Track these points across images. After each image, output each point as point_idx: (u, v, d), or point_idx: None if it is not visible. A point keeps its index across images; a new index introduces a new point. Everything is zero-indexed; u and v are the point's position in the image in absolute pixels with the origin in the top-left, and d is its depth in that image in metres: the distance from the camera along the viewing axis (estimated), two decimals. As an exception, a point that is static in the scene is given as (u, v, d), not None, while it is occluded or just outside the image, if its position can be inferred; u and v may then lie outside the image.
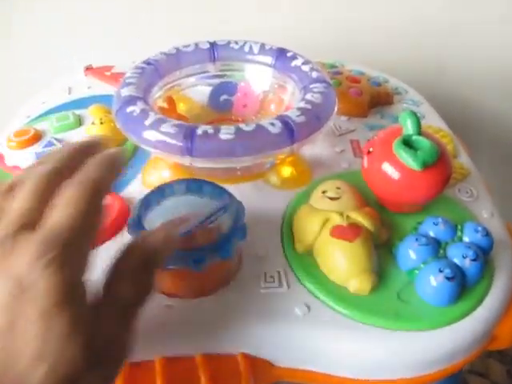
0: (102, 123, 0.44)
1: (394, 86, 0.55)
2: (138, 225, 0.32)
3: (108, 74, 0.55)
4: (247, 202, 0.35)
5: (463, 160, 0.46)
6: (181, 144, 0.36)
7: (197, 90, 0.48)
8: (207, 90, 0.48)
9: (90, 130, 0.45)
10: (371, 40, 0.67)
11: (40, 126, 0.46)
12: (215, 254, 0.31)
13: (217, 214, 0.32)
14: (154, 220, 0.34)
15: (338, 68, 0.54)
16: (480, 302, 0.34)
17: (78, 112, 0.47)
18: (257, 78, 0.47)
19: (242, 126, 0.37)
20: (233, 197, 0.34)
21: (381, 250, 0.36)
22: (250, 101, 0.47)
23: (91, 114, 0.47)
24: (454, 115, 0.55)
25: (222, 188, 0.34)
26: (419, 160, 0.35)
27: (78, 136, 0.44)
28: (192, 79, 0.48)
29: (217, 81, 0.48)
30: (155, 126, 0.37)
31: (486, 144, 0.74)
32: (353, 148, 0.45)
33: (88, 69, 0.56)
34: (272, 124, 0.37)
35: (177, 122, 0.38)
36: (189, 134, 0.36)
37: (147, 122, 0.38)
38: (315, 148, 0.45)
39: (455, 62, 0.71)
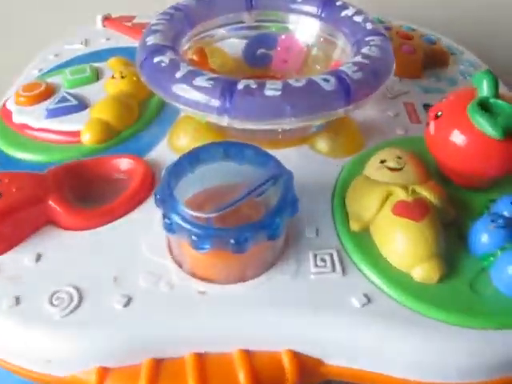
0: (122, 77, 0.39)
1: (447, 45, 0.49)
2: (167, 196, 0.27)
3: (129, 24, 0.49)
4: (292, 171, 0.30)
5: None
6: (218, 101, 0.31)
7: (231, 43, 0.42)
8: (242, 42, 0.42)
9: (110, 84, 0.39)
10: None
11: (52, 79, 0.41)
12: (261, 233, 0.26)
13: (265, 185, 0.27)
14: (187, 190, 0.29)
15: (385, 23, 0.48)
16: None
17: (95, 65, 0.42)
18: (300, 30, 0.41)
19: (291, 81, 0.31)
20: (280, 164, 0.29)
21: (448, 232, 0.31)
22: (292, 56, 0.42)
23: (110, 66, 0.41)
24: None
25: (267, 154, 0.29)
26: (499, 126, 0.29)
27: (96, 91, 0.39)
28: (226, 30, 0.42)
29: (253, 32, 0.42)
30: (187, 78, 0.32)
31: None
32: (408, 112, 0.40)
33: (106, 19, 0.50)
34: (325, 80, 0.32)
35: (213, 75, 0.32)
36: (228, 89, 0.31)
37: (178, 75, 0.32)
38: (365, 111, 0.39)
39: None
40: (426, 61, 0.44)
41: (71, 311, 0.28)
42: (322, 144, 0.36)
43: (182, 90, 0.32)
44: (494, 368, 0.28)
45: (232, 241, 0.26)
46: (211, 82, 0.31)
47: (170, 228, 0.27)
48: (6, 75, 0.48)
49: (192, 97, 0.32)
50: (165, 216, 0.27)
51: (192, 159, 0.29)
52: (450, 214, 0.31)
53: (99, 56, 0.44)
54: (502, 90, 0.43)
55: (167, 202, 0.27)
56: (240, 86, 0.31)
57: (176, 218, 0.26)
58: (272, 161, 0.29)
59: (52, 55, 0.47)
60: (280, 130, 0.35)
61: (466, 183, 0.33)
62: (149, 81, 0.34)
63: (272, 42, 0.42)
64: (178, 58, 0.34)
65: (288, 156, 0.35)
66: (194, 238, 0.26)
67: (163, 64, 0.33)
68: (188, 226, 0.26)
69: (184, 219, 0.26)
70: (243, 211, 0.28)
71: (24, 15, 0.64)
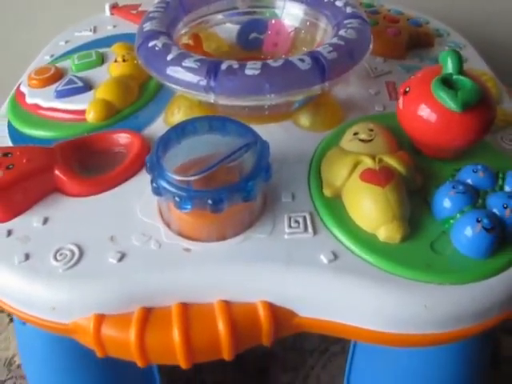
0: (124, 61, 0.43)
1: (435, 27, 0.51)
2: (155, 163, 0.31)
3: (134, 12, 0.53)
4: (274, 144, 0.33)
5: (507, 105, 0.42)
6: (204, 79, 0.34)
7: (224, 28, 0.45)
8: (235, 28, 0.46)
9: (112, 67, 0.43)
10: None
11: (61, 64, 0.45)
12: (236, 195, 0.30)
13: (239, 151, 0.30)
14: (174, 159, 0.32)
15: (375, 7, 0.51)
16: (520, 257, 0.32)
17: (101, 50, 0.45)
18: (288, 15, 0.44)
19: (270, 61, 0.35)
20: (257, 135, 0.32)
21: (414, 198, 0.34)
22: (281, 39, 0.45)
23: (114, 51, 0.45)
24: (502, 66, 0.51)
25: (246, 126, 0.32)
26: (459, 100, 0.32)
27: (100, 74, 0.43)
28: (219, 16, 0.45)
29: (246, 18, 0.46)
30: (177, 60, 0.35)
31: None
32: (388, 90, 0.42)
33: (114, 7, 0.54)
34: (301, 60, 0.35)
35: (200, 56, 0.35)
36: (212, 69, 0.34)
37: (169, 57, 0.36)
38: (348, 89, 0.42)
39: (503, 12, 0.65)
40: (411, 42, 0.47)
41: (72, 265, 0.32)
42: (304, 119, 0.39)
43: (172, 70, 0.35)
44: (449, 320, 0.31)
45: (210, 201, 0.29)
46: (198, 63, 0.35)
47: (157, 191, 0.30)
48: (22, 62, 0.52)
49: (181, 77, 0.35)
50: (153, 181, 0.30)
51: (179, 132, 0.33)
52: (417, 182, 0.34)
53: (106, 42, 0.48)
54: (485, 67, 0.46)
55: (155, 169, 0.30)
56: (223, 67, 0.34)
57: (162, 182, 0.30)
58: (250, 132, 0.32)
59: (63, 42, 0.51)
60: (266, 107, 0.38)
61: (434, 154, 0.36)
62: (144, 63, 0.38)
63: (263, 26, 0.45)
64: (171, 42, 0.37)
65: (273, 130, 0.38)
66: (177, 199, 0.29)
67: (157, 48, 0.37)
68: (172, 189, 0.30)
69: (169, 183, 0.30)
70: (222, 177, 0.31)
71: (42, 6, 0.68)
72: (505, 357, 0.62)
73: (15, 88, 0.44)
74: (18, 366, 0.62)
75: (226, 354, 0.32)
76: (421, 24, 0.48)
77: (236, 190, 0.29)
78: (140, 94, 0.42)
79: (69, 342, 0.38)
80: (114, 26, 0.52)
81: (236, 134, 0.33)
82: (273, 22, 0.45)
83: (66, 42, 0.50)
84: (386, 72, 0.44)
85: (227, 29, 0.45)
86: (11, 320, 0.68)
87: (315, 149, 0.37)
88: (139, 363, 0.32)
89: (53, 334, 0.37)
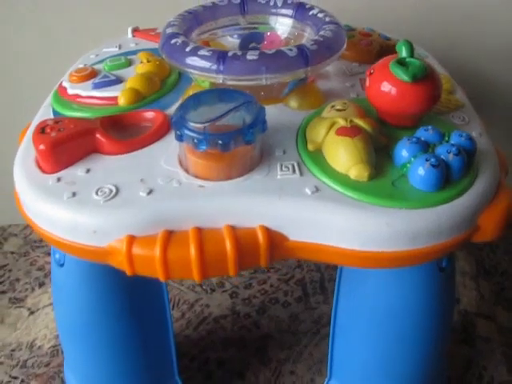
0: (148, 61, 0.53)
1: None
2: (178, 117, 0.40)
3: (153, 33, 0.64)
4: (269, 119, 0.42)
5: (459, 96, 0.52)
6: (215, 64, 0.44)
7: (228, 39, 0.56)
8: (238, 39, 0.56)
9: (139, 67, 0.53)
10: (384, 12, 0.74)
11: (96, 66, 0.54)
12: (240, 138, 0.39)
13: (242, 105, 0.40)
14: (193, 119, 0.41)
15: (351, 27, 0.62)
16: (462, 192, 0.40)
17: (128, 57, 0.56)
18: (280, 28, 0.55)
19: (266, 50, 0.45)
20: (255, 99, 0.41)
21: (380, 153, 0.43)
22: (275, 47, 0.55)
23: (139, 57, 0.55)
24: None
25: (248, 93, 0.42)
26: (410, 73, 0.42)
27: (128, 72, 0.53)
28: (225, 30, 0.56)
29: (246, 32, 0.56)
30: (194, 51, 0.45)
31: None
32: (361, 84, 0.52)
33: (135, 30, 0.65)
34: (290, 50, 0.45)
35: (212, 48, 0.46)
36: (221, 57, 0.44)
37: (188, 49, 0.46)
38: (328, 83, 0.52)
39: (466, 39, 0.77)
40: (381, 51, 0.57)
41: (111, 198, 0.40)
42: (293, 102, 0.49)
43: (190, 59, 0.45)
44: (406, 238, 0.39)
45: (220, 142, 0.38)
46: (210, 53, 0.45)
47: (180, 138, 0.40)
48: (54, 77, 0.61)
49: (197, 63, 0.45)
50: (177, 130, 0.40)
51: (195, 100, 0.42)
52: (381, 141, 0.43)
53: (131, 54, 0.58)
54: (443, 71, 0.56)
55: (178, 121, 0.40)
56: (230, 54, 0.44)
57: (184, 130, 0.39)
58: (251, 97, 0.42)
59: (93, 55, 0.61)
60: (262, 94, 0.48)
61: (396, 122, 0.45)
62: (168, 56, 0.47)
63: (260, 38, 0.56)
64: (188, 40, 0.48)
65: (268, 110, 0.47)
66: (195, 141, 0.39)
67: (177, 43, 0.47)
68: (192, 134, 0.39)
69: (189, 130, 0.39)
70: (230, 128, 0.40)
71: (71, 30, 0.79)
72: (478, 336, 0.69)
73: (57, 85, 0.54)
74: (39, 348, 0.69)
75: (232, 270, 0.40)
76: (389, 38, 0.59)
77: (240, 134, 0.39)
78: (161, 86, 0.52)
79: (99, 282, 0.47)
80: (136, 44, 0.62)
81: (240, 100, 0.42)
82: (268, 33, 0.55)
83: (97, 55, 0.61)
84: (360, 72, 0.55)
85: (231, 40, 0.56)
86: (31, 313, 0.75)
87: (302, 120, 0.47)
88: (161, 277, 0.40)
89: (85, 274, 0.46)
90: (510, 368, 0.65)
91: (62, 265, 0.47)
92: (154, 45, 0.60)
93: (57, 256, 0.47)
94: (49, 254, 0.86)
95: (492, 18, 0.76)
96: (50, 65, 0.74)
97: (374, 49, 0.57)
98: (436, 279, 0.46)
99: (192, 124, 0.39)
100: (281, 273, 0.78)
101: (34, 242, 0.89)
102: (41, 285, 0.80)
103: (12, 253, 0.87)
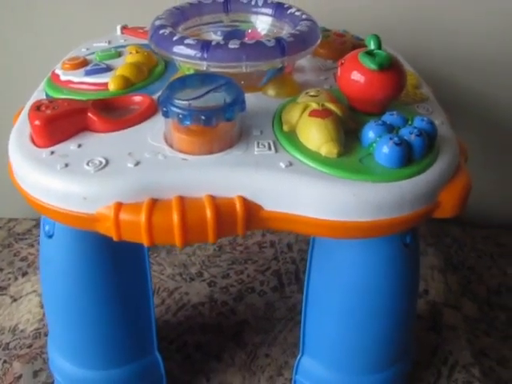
0: (137, 52, 0.57)
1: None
2: (164, 96, 0.44)
3: (141, 31, 0.67)
4: (249, 105, 0.46)
5: (425, 91, 0.57)
6: (199, 52, 0.48)
7: (212, 36, 0.60)
8: (221, 36, 0.60)
9: (128, 57, 0.56)
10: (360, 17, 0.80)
11: (88, 57, 0.58)
12: (221, 114, 0.43)
13: (222, 86, 0.44)
14: (179, 97, 0.44)
15: (327, 29, 0.66)
16: (424, 170, 0.44)
17: (118, 49, 0.59)
18: (260, 26, 0.59)
19: (246, 40, 0.49)
20: (235, 82, 0.45)
21: (350, 136, 0.47)
22: (255, 41, 0.59)
23: (128, 49, 0.59)
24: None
25: (230, 79, 0.46)
26: (376, 61, 0.46)
27: (118, 62, 0.56)
28: (209, 26, 0.60)
29: (228, 29, 0.60)
30: (180, 40, 0.49)
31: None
32: (334, 77, 0.57)
33: (124, 28, 0.69)
34: (268, 41, 0.49)
35: (196, 38, 0.50)
36: (205, 45, 0.48)
37: (174, 39, 0.50)
38: (304, 76, 0.56)
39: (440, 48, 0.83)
40: (353, 50, 0.61)
41: (101, 169, 0.43)
42: (271, 91, 0.53)
43: (177, 48, 0.49)
44: (372, 208, 0.43)
45: (203, 117, 0.42)
46: (195, 42, 0.49)
47: (166, 114, 0.43)
48: (43, 70, 0.64)
49: (183, 51, 0.49)
50: (163, 107, 0.43)
51: (181, 82, 0.46)
52: (351, 125, 0.47)
53: (120, 47, 0.62)
54: (411, 70, 0.61)
55: (165, 99, 0.43)
56: (213, 43, 0.48)
57: (170, 106, 0.43)
58: (231, 80, 0.46)
59: (84, 49, 0.64)
60: (242, 82, 0.52)
61: (365, 109, 0.49)
62: (157, 45, 0.51)
63: (242, 35, 0.60)
64: (174, 31, 0.52)
65: (247, 98, 0.51)
66: (180, 116, 0.42)
67: (165, 34, 0.51)
68: (177, 110, 0.42)
69: (174, 106, 0.43)
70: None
71: (62, 26, 0.83)
72: (445, 324, 0.73)
73: (50, 72, 0.57)
74: (22, 331, 0.71)
75: (211, 237, 0.43)
76: (362, 39, 0.64)
77: (221, 111, 0.43)
78: (149, 75, 0.55)
79: (86, 253, 0.49)
80: (125, 40, 0.66)
81: (221, 82, 0.46)
82: (249, 31, 0.60)
83: (87, 49, 0.64)
84: (334, 68, 0.59)
85: (214, 37, 0.60)
86: (14, 300, 0.77)
87: (278, 106, 0.51)
88: (146, 242, 0.43)
89: (73, 245, 0.49)
90: (473, 353, 0.69)
91: (50, 236, 0.49)
92: (143, 41, 0.64)
93: (46, 228, 0.50)
94: (32, 246, 0.88)
95: (465, 31, 0.82)
96: (39, 62, 0.77)
97: (347, 48, 0.61)
98: (401, 254, 0.50)
99: (177, 101, 0.43)
100: (258, 264, 0.81)
101: (17, 235, 0.91)
102: (24, 274, 0.82)
103: (-4, 244, 0.89)
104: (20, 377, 0.64)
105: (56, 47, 0.77)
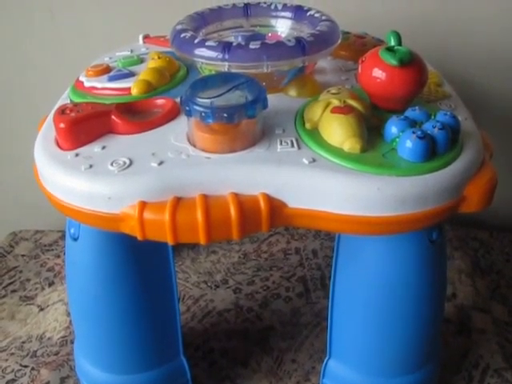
0: (159, 58, 0.57)
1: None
2: (187, 95, 0.44)
3: (162, 39, 0.69)
4: (270, 105, 0.46)
5: (447, 89, 0.56)
6: (221, 53, 0.49)
7: (233, 40, 0.61)
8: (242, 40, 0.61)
9: (150, 63, 0.57)
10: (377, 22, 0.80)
11: (111, 64, 0.59)
12: (243, 112, 0.43)
13: (243, 84, 0.44)
14: (201, 95, 0.45)
15: (347, 31, 0.66)
16: (448, 164, 0.44)
17: (140, 56, 0.60)
18: (280, 29, 0.60)
19: (267, 41, 0.49)
20: (257, 80, 0.46)
21: (373, 132, 0.46)
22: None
23: (150, 56, 0.60)
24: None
25: (251, 78, 0.46)
26: (397, 57, 0.46)
27: (141, 68, 0.57)
28: (230, 31, 0.61)
29: (249, 34, 0.61)
30: (201, 43, 0.50)
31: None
32: (356, 77, 0.56)
33: (146, 37, 0.70)
34: (289, 40, 0.49)
35: (217, 40, 0.50)
36: (226, 46, 0.49)
37: (196, 41, 0.50)
38: (325, 77, 0.56)
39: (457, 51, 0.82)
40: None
41: (124, 169, 0.44)
42: (292, 91, 0.53)
43: (198, 50, 0.50)
44: (396, 202, 0.42)
45: (225, 115, 0.42)
46: (216, 43, 0.49)
47: (189, 112, 0.44)
48: (67, 83, 0.66)
49: (204, 53, 0.50)
50: (186, 106, 0.44)
51: (203, 82, 0.47)
52: (374, 122, 0.47)
53: (142, 54, 0.63)
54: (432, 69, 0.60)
55: (187, 98, 0.44)
56: (234, 44, 0.49)
57: (192, 105, 0.43)
58: (254, 79, 0.46)
59: (107, 58, 0.65)
60: (264, 84, 0.52)
61: (386, 106, 0.49)
62: (178, 49, 0.52)
63: (262, 38, 0.60)
64: (195, 34, 0.52)
65: (269, 98, 0.52)
66: (202, 114, 0.43)
67: (186, 37, 0.51)
68: (199, 108, 0.43)
69: (197, 104, 0.43)
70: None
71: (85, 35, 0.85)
72: (475, 328, 0.71)
73: (74, 80, 0.58)
74: (49, 339, 0.72)
75: (236, 234, 0.43)
76: (382, 41, 0.64)
77: (243, 108, 0.43)
78: (171, 80, 0.56)
79: (112, 255, 0.50)
80: (147, 49, 0.67)
81: (242, 80, 0.46)
82: (269, 34, 0.60)
83: (110, 58, 0.65)
84: (355, 68, 0.59)
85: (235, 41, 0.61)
86: (41, 309, 0.78)
87: (300, 105, 0.51)
88: (170, 240, 0.43)
89: (99, 247, 0.49)
90: (504, 357, 0.67)
91: (76, 239, 0.50)
92: (165, 49, 0.65)
93: (72, 231, 0.50)
94: (58, 257, 0.89)
95: (481, 30, 0.82)
96: (62, 76, 0.79)
97: (367, 49, 0.61)
98: (427, 250, 0.49)
99: (199, 99, 0.43)
100: (283, 271, 0.81)
101: (44, 246, 0.92)
102: (50, 284, 0.83)
103: (23, 256, 0.90)
104: (47, 383, 0.64)
105: (79, 61, 0.79)
